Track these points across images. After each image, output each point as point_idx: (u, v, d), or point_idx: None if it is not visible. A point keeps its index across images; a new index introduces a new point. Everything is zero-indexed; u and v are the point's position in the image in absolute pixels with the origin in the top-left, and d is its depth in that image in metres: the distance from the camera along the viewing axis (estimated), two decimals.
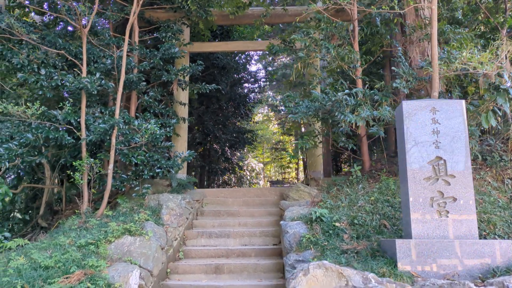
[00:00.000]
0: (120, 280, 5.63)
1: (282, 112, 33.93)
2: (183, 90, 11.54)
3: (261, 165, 36.46)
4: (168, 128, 9.88)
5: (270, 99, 31.20)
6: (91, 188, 8.62)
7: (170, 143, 9.69)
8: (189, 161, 9.46)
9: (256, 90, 21.86)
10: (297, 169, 37.65)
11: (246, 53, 20.02)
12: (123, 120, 8.80)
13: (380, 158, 11.18)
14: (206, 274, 7.22)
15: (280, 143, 33.03)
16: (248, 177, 31.83)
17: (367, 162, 9.80)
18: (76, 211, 8.59)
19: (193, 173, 21.24)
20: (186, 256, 7.92)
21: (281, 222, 7.38)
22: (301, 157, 32.21)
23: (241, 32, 18.31)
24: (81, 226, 7.47)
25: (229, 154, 22.39)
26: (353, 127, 8.91)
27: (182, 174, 11.30)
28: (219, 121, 19.20)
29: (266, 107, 34.78)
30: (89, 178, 8.56)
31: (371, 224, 6.45)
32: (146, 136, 8.76)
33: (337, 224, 6.61)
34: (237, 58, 19.52)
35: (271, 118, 34.91)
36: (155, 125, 8.84)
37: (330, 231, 6.48)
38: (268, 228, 8.68)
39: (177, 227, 8.12)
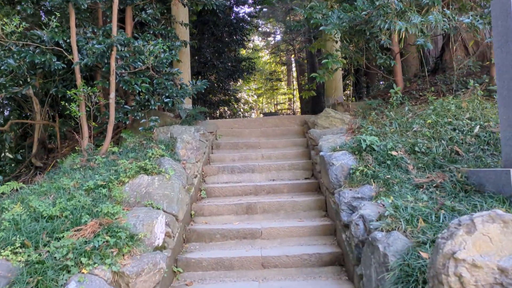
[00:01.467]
0: (144, 229, 4.46)
1: (276, 38, 32.11)
2: (184, 6, 9.85)
3: (255, 97, 34.98)
4: (172, 52, 8.35)
5: (261, 27, 29.21)
6: (90, 122, 7.26)
7: (176, 69, 8.20)
8: (201, 91, 8.11)
9: (252, 14, 19.95)
10: (290, 100, 36.32)
11: None
12: (122, 40, 7.26)
13: (410, 78, 9.88)
14: (237, 215, 6.10)
15: (275, 73, 31.45)
16: (242, 110, 30.52)
17: (400, 82, 8.54)
18: (77, 147, 7.28)
19: (195, 105, 19.83)
20: (209, 195, 6.77)
21: (321, 153, 6.18)
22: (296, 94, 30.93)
23: None
24: (84, 165, 6.20)
25: (225, 85, 20.86)
26: (387, 44, 7.50)
27: (188, 105, 9.94)
28: (216, 49, 17.51)
29: (257, 37, 32.78)
30: (87, 110, 7.17)
31: (437, 151, 5.28)
32: (151, 59, 7.28)
33: (393, 153, 5.43)
34: None
35: (263, 49, 32.99)
36: (159, 47, 7.35)
37: (388, 162, 5.30)
38: (297, 161, 7.53)
39: (195, 162, 6.90)
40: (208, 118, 11.10)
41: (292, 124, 9.34)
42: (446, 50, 9.38)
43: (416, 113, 6.62)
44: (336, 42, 8.56)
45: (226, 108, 24.66)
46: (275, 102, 36.32)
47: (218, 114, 24.10)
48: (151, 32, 8.87)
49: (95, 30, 7.90)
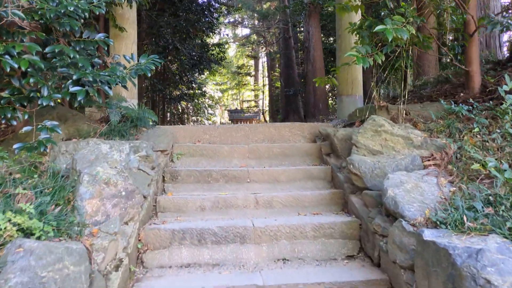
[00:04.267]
0: None
1: (245, 29, 28.17)
2: None
3: (219, 93, 30.90)
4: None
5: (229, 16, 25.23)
6: None
7: (101, 35, 4.22)
8: (147, 75, 4.27)
9: None
10: (256, 96, 32.56)
11: None
12: None
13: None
14: None
15: (243, 67, 27.63)
16: (206, 106, 26.47)
17: (477, 74, 4.94)
18: None
19: (144, 100, 15.62)
20: None
21: (439, 241, 2.42)
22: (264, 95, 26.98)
23: None
24: None
25: (189, 76, 16.78)
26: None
27: (131, 100, 5.98)
28: (180, 29, 13.44)
29: (224, 29, 28.77)
30: None
31: None
32: (42, 7, 3.31)
33: None
34: None
35: (231, 41, 28.97)
36: None
37: None
38: (326, 217, 3.76)
39: (121, 226, 3.00)
40: (159, 123, 7.18)
41: (297, 137, 5.53)
42: None
43: None
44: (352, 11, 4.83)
45: (188, 104, 20.57)
46: (241, 100, 32.51)
47: (180, 111, 20.01)
48: None
49: None
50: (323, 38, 17.06)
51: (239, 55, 29.83)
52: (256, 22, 26.33)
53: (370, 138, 4.10)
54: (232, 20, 27.33)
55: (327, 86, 18.55)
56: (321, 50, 13.27)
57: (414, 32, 3.96)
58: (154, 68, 4.22)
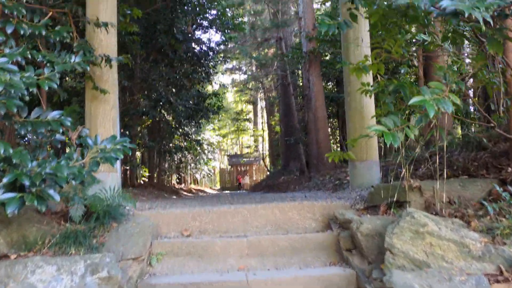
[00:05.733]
0: None
1: (243, 74, 27.50)
2: None
3: (219, 138, 29.99)
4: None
5: (227, 62, 24.69)
6: None
7: (57, 113, 3.24)
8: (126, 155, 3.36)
9: (219, 43, 15.28)
10: (256, 141, 31.65)
11: None
12: None
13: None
14: None
15: (242, 113, 26.84)
16: (206, 152, 25.48)
17: None
18: None
19: (138, 153, 14.65)
20: None
21: None
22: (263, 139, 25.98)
23: None
24: None
25: (185, 127, 15.85)
26: None
27: (108, 175, 4.96)
28: (174, 82, 12.62)
29: (222, 75, 28.22)
30: None
31: None
32: None
33: None
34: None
35: (229, 87, 28.33)
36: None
37: None
38: None
39: None
40: (153, 179, 6.29)
41: (307, 220, 4.44)
42: None
43: None
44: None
45: (188, 154, 19.57)
46: (240, 144, 31.58)
47: (177, 162, 18.99)
48: (22, 35, 3.92)
49: None
50: (323, 83, 16.32)
51: (238, 99, 29.18)
52: (254, 67, 25.82)
53: (410, 242, 3.02)
54: (230, 66, 26.85)
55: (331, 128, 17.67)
56: (323, 99, 12.41)
57: (459, 103, 2.97)
58: (122, 156, 3.20)
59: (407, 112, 3.72)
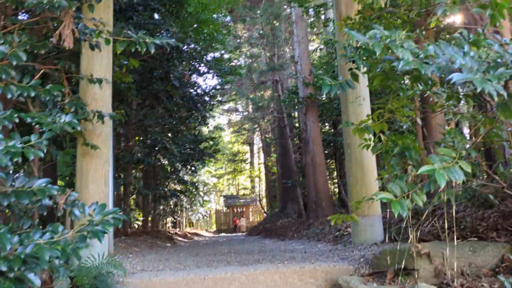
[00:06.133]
0: None
1: (240, 115, 27.55)
2: (98, 49, 4.77)
3: (214, 179, 29.66)
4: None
5: (224, 104, 24.80)
6: None
7: (44, 181, 3.05)
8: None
9: (216, 87, 15.34)
10: (253, 182, 31.35)
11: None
12: None
13: None
14: None
15: (239, 154, 26.70)
16: (202, 194, 25.10)
17: None
18: None
19: (132, 199, 14.34)
20: None
21: None
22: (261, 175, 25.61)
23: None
24: None
25: (181, 171, 15.63)
26: None
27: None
28: (170, 128, 12.52)
29: (218, 115, 28.29)
30: None
31: None
32: None
33: None
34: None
35: (225, 128, 28.35)
36: None
37: None
38: None
39: None
40: (146, 223, 6.01)
41: (309, 286, 4.18)
42: None
43: None
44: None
45: (183, 197, 19.23)
46: (237, 185, 31.26)
47: (172, 206, 18.64)
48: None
49: None
50: (320, 124, 16.26)
51: (234, 140, 29.15)
52: (251, 108, 25.93)
53: None
54: (226, 107, 26.98)
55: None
56: (321, 144, 12.31)
57: (470, 171, 2.81)
58: (111, 230, 2.98)
59: (412, 173, 3.53)
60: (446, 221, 4.25)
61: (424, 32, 7.80)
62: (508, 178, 3.98)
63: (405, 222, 4.48)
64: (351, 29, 4.44)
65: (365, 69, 3.51)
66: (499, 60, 2.82)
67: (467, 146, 3.17)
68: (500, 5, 3.28)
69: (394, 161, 3.58)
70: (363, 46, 3.15)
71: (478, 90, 2.19)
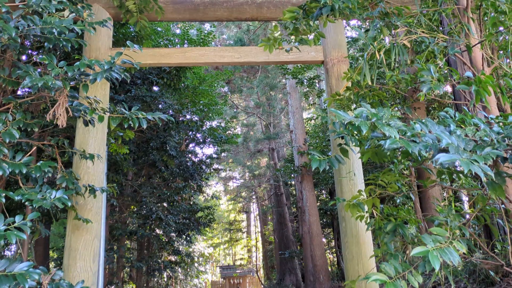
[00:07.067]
0: None
1: (236, 183, 27.44)
2: (92, 125, 4.83)
3: (211, 249, 28.88)
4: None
5: (221, 172, 24.80)
6: None
7: (27, 265, 2.96)
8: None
9: (213, 156, 15.44)
10: (249, 251, 30.51)
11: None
12: None
13: None
14: None
15: (234, 223, 26.23)
16: (196, 265, 24.31)
17: None
18: None
19: (125, 273, 13.85)
20: None
21: None
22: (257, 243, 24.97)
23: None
24: None
25: (176, 242, 15.26)
26: None
27: None
28: (165, 197, 12.40)
29: (215, 183, 28.21)
30: None
31: None
32: None
33: None
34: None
35: (221, 196, 28.14)
36: None
37: None
38: None
39: None
40: None
41: None
42: None
43: None
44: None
45: (178, 268, 18.58)
46: (233, 254, 30.37)
47: (166, 280, 17.97)
48: None
49: None
50: (316, 192, 16.19)
51: (231, 208, 28.79)
52: (247, 176, 25.95)
53: None
54: (222, 175, 26.97)
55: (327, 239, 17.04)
56: (317, 213, 12.16)
57: (466, 251, 2.73)
58: None
59: (408, 253, 3.45)
60: None
61: (414, 105, 8.03)
62: (508, 255, 3.87)
63: None
64: (340, 105, 4.57)
65: (354, 145, 3.55)
66: (486, 138, 2.86)
67: (462, 223, 3.12)
68: (484, 82, 3.38)
69: (388, 238, 3.49)
70: (352, 122, 3.21)
71: (466, 171, 2.19)
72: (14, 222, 3.02)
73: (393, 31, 4.07)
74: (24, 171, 3.76)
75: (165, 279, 17.86)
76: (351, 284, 3.86)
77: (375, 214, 3.81)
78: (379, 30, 3.74)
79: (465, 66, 4.63)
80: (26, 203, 3.72)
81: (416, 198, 6.53)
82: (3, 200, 3.27)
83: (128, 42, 3.65)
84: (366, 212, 4.07)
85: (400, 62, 3.78)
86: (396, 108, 8.49)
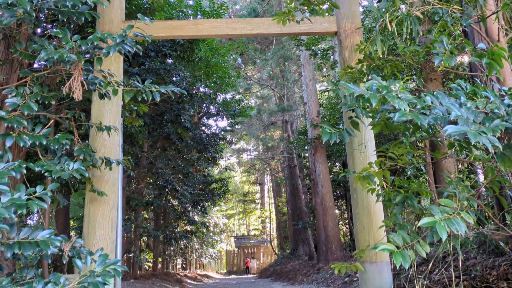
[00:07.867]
0: None
1: (250, 155, 27.63)
2: (107, 98, 4.92)
3: (225, 219, 29.44)
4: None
5: (234, 144, 24.96)
6: None
7: (49, 232, 3.10)
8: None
9: (226, 128, 15.55)
10: (263, 222, 31.00)
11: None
12: None
13: None
14: None
15: (248, 194, 26.59)
16: (212, 235, 24.87)
17: None
18: None
19: (142, 241, 14.25)
20: None
21: None
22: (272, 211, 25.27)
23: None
24: None
25: (191, 212, 15.60)
26: None
27: None
28: (179, 169, 12.60)
29: (229, 155, 28.42)
30: None
31: None
32: None
33: None
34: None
35: (236, 168, 28.40)
36: None
37: None
38: None
39: None
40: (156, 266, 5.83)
41: None
42: None
43: None
44: None
45: (194, 237, 19.06)
46: (248, 225, 30.92)
47: (183, 247, 18.48)
48: None
49: None
50: (330, 164, 16.20)
51: (245, 180, 29.08)
52: (261, 148, 26.05)
53: None
54: (236, 147, 27.13)
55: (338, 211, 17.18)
56: (330, 185, 12.24)
57: (473, 221, 2.77)
58: (111, 282, 2.97)
59: (416, 223, 3.50)
60: (455, 270, 4.14)
61: (430, 76, 7.89)
62: None
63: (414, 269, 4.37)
64: (352, 77, 4.55)
65: (365, 117, 3.55)
66: (496, 110, 2.84)
67: (471, 194, 3.14)
68: (497, 54, 3.33)
69: (397, 210, 3.54)
70: (362, 95, 3.21)
71: (473, 142, 2.21)
72: (35, 192, 3.14)
73: (407, 1, 4.01)
74: (44, 142, 3.88)
75: (182, 248, 18.36)
76: (361, 253, 3.96)
77: (385, 186, 3.85)
78: (391, 1, 3.68)
79: (481, 37, 4.54)
80: (46, 174, 3.85)
81: (430, 170, 6.54)
82: (24, 171, 3.39)
83: (139, 15, 3.68)
84: (378, 184, 4.12)
85: (413, 33, 3.73)
86: (411, 79, 8.38)
